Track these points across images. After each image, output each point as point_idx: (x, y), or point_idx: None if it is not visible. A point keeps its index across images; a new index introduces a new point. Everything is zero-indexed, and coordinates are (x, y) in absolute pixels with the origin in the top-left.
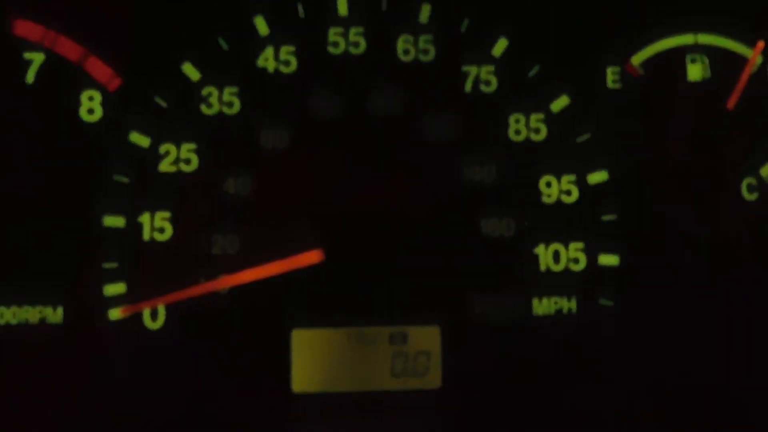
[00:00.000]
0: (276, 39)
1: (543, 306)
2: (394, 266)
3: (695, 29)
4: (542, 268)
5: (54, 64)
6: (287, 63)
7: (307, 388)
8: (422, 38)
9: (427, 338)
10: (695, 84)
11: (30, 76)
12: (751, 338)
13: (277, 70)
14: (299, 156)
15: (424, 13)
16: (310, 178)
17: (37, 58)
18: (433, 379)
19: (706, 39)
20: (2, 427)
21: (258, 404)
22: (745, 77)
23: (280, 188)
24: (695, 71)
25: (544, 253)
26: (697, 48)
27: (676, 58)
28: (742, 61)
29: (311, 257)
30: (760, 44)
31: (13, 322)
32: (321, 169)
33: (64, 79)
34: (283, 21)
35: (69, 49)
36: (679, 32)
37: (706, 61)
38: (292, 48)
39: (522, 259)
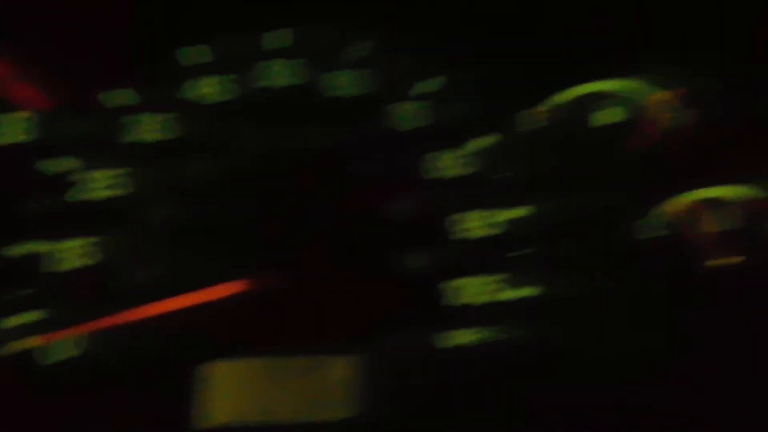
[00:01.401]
0: (216, 68)
1: (462, 338)
2: (309, 298)
3: (610, 74)
4: (462, 300)
5: None
6: (226, 93)
7: (219, 421)
8: (359, 73)
9: (344, 369)
10: (608, 125)
11: None
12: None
13: (215, 99)
14: (230, 187)
15: (362, 48)
16: (239, 210)
17: None
18: (349, 410)
19: (617, 85)
20: None
21: None
22: (654, 118)
23: (209, 219)
24: (608, 113)
25: (463, 286)
26: (610, 91)
27: (593, 100)
28: (654, 104)
29: (234, 287)
30: (672, 89)
31: None
32: (249, 202)
33: None
34: (224, 50)
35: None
36: (596, 77)
37: (620, 103)
38: (232, 77)
39: (443, 292)
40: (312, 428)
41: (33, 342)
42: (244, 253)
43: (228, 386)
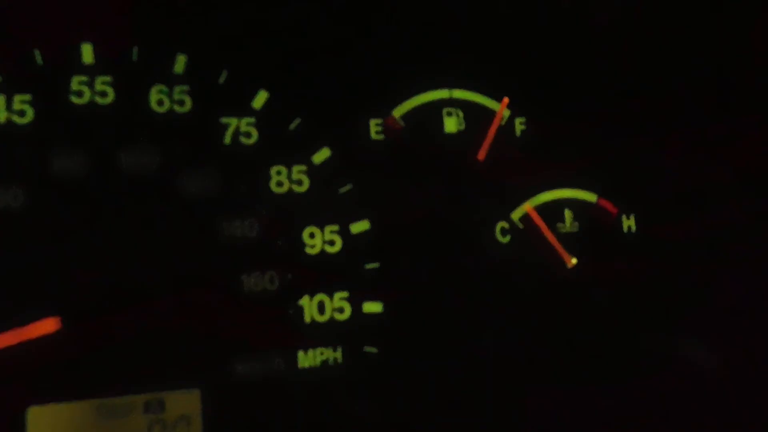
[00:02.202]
0: (9, 87)
1: (309, 358)
2: (146, 330)
3: (450, 85)
4: (307, 319)
5: None
6: (22, 113)
7: None
8: (177, 89)
9: (186, 403)
10: (451, 135)
11: None
12: (512, 373)
13: (9, 121)
14: (35, 217)
15: (180, 64)
16: (46, 240)
17: None
18: None
19: (459, 94)
20: None
21: None
22: (493, 129)
23: (12, 252)
24: (451, 124)
25: (308, 305)
26: (452, 102)
27: (434, 111)
28: (491, 114)
29: (46, 326)
30: (506, 100)
31: None
32: (60, 231)
33: None
34: (19, 68)
35: None
36: (435, 88)
37: (461, 114)
38: (28, 97)
39: (286, 313)
40: None
41: None
42: (53, 288)
43: (57, 431)
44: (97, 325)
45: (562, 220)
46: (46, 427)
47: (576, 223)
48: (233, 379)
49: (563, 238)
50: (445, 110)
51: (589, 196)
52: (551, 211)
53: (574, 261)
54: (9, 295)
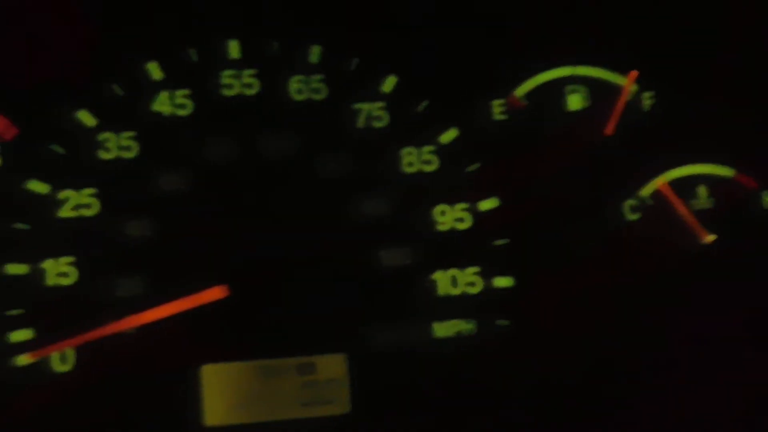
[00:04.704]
0: (170, 83)
1: (443, 329)
2: (297, 300)
3: (573, 62)
4: (441, 293)
5: None
6: (183, 106)
7: (220, 420)
8: (314, 78)
9: (334, 367)
10: (575, 113)
11: None
12: (642, 347)
13: (173, 114)
14: (198, 198)
15: (315, 55)
16: (210, 218)
17: None
18: (342, 406)
19: (583, 71)
20: None
21: None
22: (621, 105)
23: (182, 229)
24: (574, 101)
25: (441, 279)
26: (575, 79)
27: (557, 89)
28: (618, 89)
29: (215, 293)
30: (633, 73)
31: None
32: (220, 210)
33: None
34: (177, 65)
35: None
36: (558, 65)
37: (585, 91)
38: (187, 91)
39: (421, 286)
40: (305, 425)
41: (25, 359)
42: (220, 260)
43: (223, 388)
44: (255, 294)
45: (695, 197)
46: (218, 383)
47: (711, 200)
48: (375, 346)
49: (697, 215)
50: (568, 87)
51: (726, 171)
52: (683, 188)
53: (711, 238)
54: (181, 267)
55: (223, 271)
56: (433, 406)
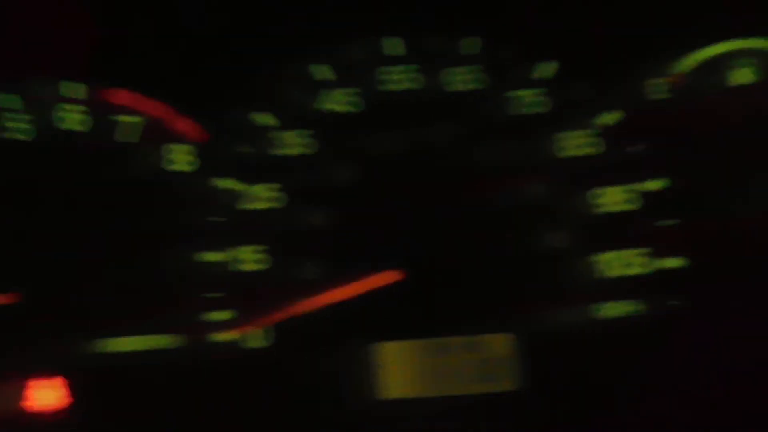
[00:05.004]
0: (341, 82)
1: (610, 310)
2: (466, 282)
3: (738, 34)
4: (608, 273)
5: (147, 124)
6: (353, 103)
7: (395, 394)
8: (474, 68)
9: (502, 346)
10: (742, 87)
11: (127, 135)
12: None
13: (344, 111)
14: (371, 188)
15: (475, 46)
16: (383, 207)
17: (132, 121)
18: (508, 383)
19: (750, 43)
20: None
21: (351, 409)
22: None
23: (358, 217)
24: (742, 75)
25: (607, 260)
26: (742, 53)
27: (722, 63)
28: None
29: (391, 276)
30: None
31: (135, 349)
32: (393, 199)
33: (159, 136)
34: (346, 66)
35: (159, 110)
36: (722, 39)
37: (755, 63)
38: (356, 90)
39: (586, 267)
40: (476, 401)
41: (229, 335)
42: (394, 245)
43: (398, 364)
44: (428, 277)
45: None
46: (392, 360)
47: None
48: (542, 326)
49: None
50: (735, 61)
51: None
52: None
53: None
54: (359, 252)
55: (398, 255)
56: (598, 386)
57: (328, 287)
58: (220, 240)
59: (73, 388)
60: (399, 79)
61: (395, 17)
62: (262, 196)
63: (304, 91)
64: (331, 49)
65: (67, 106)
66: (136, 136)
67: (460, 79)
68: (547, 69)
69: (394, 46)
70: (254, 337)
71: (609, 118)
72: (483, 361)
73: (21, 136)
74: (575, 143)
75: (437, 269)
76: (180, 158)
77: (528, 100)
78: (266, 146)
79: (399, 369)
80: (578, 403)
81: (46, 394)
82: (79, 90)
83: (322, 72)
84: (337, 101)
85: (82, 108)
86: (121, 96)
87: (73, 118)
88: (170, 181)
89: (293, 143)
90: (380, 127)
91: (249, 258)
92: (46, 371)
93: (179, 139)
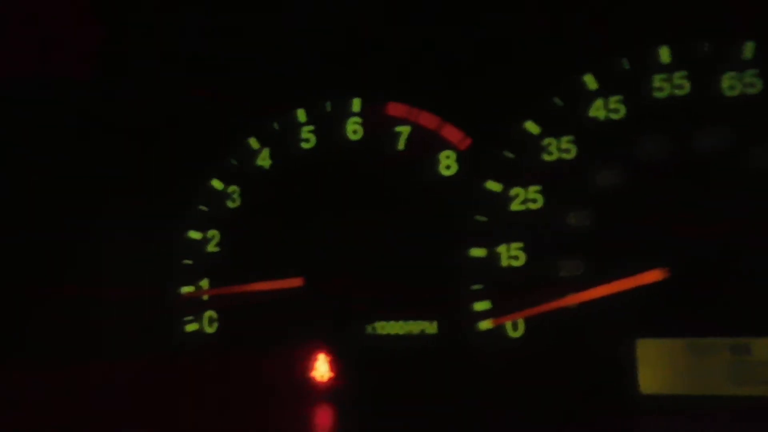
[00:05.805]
0: (605, 91)
1: None
2: (733, 283)
3: None
4: None
5: (417, 133)
6: (616, 111)
7: (653, 390)
8: (748, 73)
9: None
10: None
11: (401, 144)
12: None
13: (607, 118)
14: (633, 191)
15: (749, 50)
16: (645, 209)
17: (404, 130)
18: None
19: None
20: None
21: (608, 403)
22: None
23: (618, 219)
24: None
25: None
26: None
27: None
28: None
29: (655, 275)
30: None
31: (400, 332)
32: (653, 203)
33: (425, 143)
34: (610, 74)
35: (428, 120)
36: None
37: None
38: (620, 97)
39: None
40: (736, 402)
41: (487, 325)
42: (656, 247)
43: (657, 360)
44: (693, 278)
45: None
46: (651, 356)
47: None
48: None
49: None
50: None
51: None
52: None
53: None
54: (618, 252)
55: (660, 255)
56: None
57: (584, 285)
58: (483, 237)
59: (346, 364)
60: (665, 86)
61: (662, 25)
62: (521, 198)
63: (568, 100)
64: (598, 61)
65: (350, 119)
66: (404, 144)
67: (733, 84)
68: None
69: (662, 54)
70: (510, 327)
71: None
72: (747, 364)
73: (306, 146)
74: None
75: (702, 271)
76: (450, 164)
77: None
78: (528, 152)
79: (657, 365)
80: None
81: (324, 367)
82: (355, 104)
83: (588, 82)
84: (601, 109)
85: (358, 120)
86: (396, 108)
87: (352, 129)
88: (444, 184)
89: (554, 149)
90: (644, 133)
91: (507, 254)
92: (325, 347)
93: (446, 146)
